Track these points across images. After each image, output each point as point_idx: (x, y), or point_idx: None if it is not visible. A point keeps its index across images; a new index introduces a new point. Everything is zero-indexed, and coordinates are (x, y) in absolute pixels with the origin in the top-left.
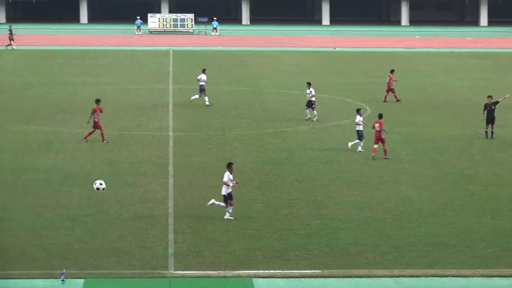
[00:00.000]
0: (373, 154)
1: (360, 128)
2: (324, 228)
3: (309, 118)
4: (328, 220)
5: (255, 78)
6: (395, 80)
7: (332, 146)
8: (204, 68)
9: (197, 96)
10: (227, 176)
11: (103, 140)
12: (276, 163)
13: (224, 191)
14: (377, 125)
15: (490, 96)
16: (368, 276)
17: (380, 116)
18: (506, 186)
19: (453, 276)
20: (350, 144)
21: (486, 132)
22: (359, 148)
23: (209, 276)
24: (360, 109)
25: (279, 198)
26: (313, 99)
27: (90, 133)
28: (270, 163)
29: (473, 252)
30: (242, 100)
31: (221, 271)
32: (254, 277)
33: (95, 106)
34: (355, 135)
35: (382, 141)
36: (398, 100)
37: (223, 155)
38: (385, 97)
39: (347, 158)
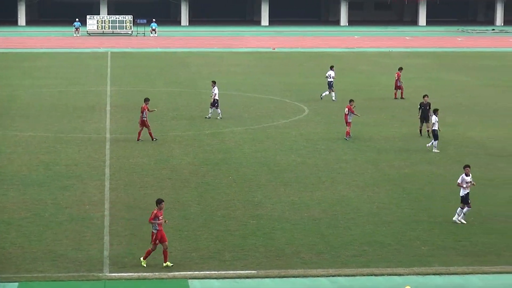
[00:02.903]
0: (346, 137)
1: (435, 127)
2: (260, 229)
3: (210, 117)
4: (264, 220)
5: (194, 79)
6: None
7: (269, 146)
8: (332, 65)
9: (326, 92)
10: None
11: (152, 139)
12: (213, 164)
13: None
14: (346, 109)
15: (425, 96)
16: (304, 276)
17: (350, 101)
18: (442, 185)
19: (388, 274)
20: (428, 145)
21: (420, 130)
22: (434, 149)
23: (144, 278)
24: (438, 109)
25: (215, 199)
26: (216, 97)
27: (140, 132)
28: (207, 164)
29: (409, 250)
30: (180, 101)
31: (156, 273)
32: (190, 278)
33: (143, 104)
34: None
35: (348, 124)
36: (402, 98)
37: (160, 157)
38: (395, 94)
39: (284, 159)
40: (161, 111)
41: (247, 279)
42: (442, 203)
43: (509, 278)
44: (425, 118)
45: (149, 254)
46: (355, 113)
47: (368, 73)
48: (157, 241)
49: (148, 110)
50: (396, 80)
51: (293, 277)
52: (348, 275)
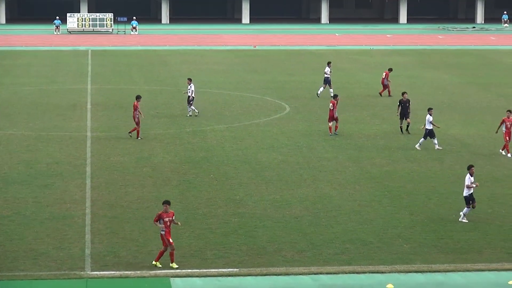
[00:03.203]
0: (330, 133)
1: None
2: (242, 227)
3: (191, 115)
4: (246, 218)
5: (175, 77)
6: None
7: (251, 144)
8: (329, 61)
9: (322, 89)
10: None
11: (138, 137)
12: (194, 162)
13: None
14: (330, 104)
15: (405, 93)
16: (286, 274)
17: (335, 96)
18: (423, 182)
19: (370, 272)
20: (436, 146)
21: (401, 127)
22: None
23: (126, 277)
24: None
25: (197, 197)
26: (192, 95)
27: (138, 131)
28: (189, 162)
29: (390, 248)
30: (161, 99)
31: (138, 271)
32: (172, 276)
33: (135, 102)
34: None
35: (336, 119)
36: (381, 94)
37: (141, 155)
38: (381, 92)
39: (266, 157)
40: (141, 109)
41: (229, 277)
42: (424, 200)
43: (490, 276)
44: (405, 115)
45: (160, 256)
46: (335, 108)
47: (348, 71)
48: (170, 240)
49: (138, 108)
50: (383, 79)
51: (275, 275)
52: (330, 273)
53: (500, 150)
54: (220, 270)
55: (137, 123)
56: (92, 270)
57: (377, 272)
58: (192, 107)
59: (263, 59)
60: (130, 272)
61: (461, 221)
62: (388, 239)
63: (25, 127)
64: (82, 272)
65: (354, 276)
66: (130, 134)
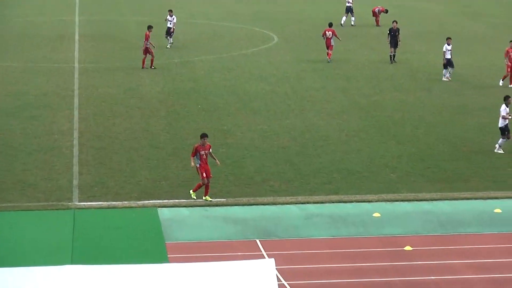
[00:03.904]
0: (328, 58)
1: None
2: (229, 157)
3: (169, 47)
4: (233, 149)
5: (162, 8)
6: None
7: (239, 75)
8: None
9: (344, 18)
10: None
11: (151, 66)
12: (182, 93)
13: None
14: (328, 33)
15: (395, 21)
16: (273, 204)
17: (330, 25)
18: (410, 112)
19: (357, 201)
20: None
21: (391, 56)
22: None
23: (114, 207)
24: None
25: (185, 128)
26: (174, 26)
27: (144, 60)
28: (177, 93)
29: (377, 177)
30: None
31: (126, 202)
32: (159, 206)
33: (146, 32)
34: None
35: (331, 47)
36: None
37: (129, 86)
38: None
39: (254, 87)
40: (130, 41)
41: (216, 207)
42: (411, 130)
43: (477, 204)
44: (395, 43)
45: (198, 188)
46: (338, 37)
47: (334, 0)
48: (204, 174)
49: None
50: (374, 10)
51: (262, 204)
52: (317, 202)
53: (501, 80)
54: (207, 200)
55: (150, 53)
56: (79, 201)
57: (364, 201)
58: (170, 39)
59: None
60: (117, 202)
61: (497, 152)
62: (375, 169)
63: (12, 58)
64: (69, 203)
65: (341, 205)
66: (152, 67)
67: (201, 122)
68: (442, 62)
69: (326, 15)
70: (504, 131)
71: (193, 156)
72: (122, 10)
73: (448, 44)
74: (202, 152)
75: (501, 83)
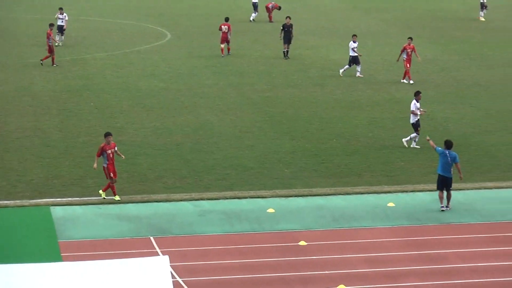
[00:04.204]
0: (222, 54)
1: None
2: (123, 154)
3: (59, 45)
4: (127, 146)
5: (53, 6)
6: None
7: (131, 72)
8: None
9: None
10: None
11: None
12: (74, 91)
13: None
14: (224, 27)
15: (288, 17)
16: (167, 201)
17: (227, 19)
18: (304, 107)
19: (251, 197)
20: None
21: (284, 51)
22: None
23: (5, 206)
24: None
25: (77, 126)
26: (65, 24)
27: (53, 58)
28: (69, 90)
29: (271, 173)
30: (40, 28)
31: (18, 201)
32: (52, 205)
33: (48, 30)
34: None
35: (228, 41)
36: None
37: (20, 84)
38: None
39: (147, 84)
40: (19, 38)
41: (110, 205)
42: (305, 125)
43: (370, 198)
44: (288, 39)
45: (108, 187)
46: (230, 32)
47: None
48: (111, 174)
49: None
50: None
51: (156, 201)
52: (211, 199)
53: (402, 80)
54: (101, 198)
55: (51, 51)
56: None
57: (258, 197)
58: (62, 37)
59: None
60: (9, 201)
61: (414, 147)
62: (269, 164)
63: None
64: None
65: (235, 201)
66: (41, 62)
67: (93, 120)
68: (333, 58)
69: (218, 11)
70: (416, 126)
71: (98, 156)
72: (12, 7)
73: (354, 42)
74: (109, 151)
75: (411, 82)
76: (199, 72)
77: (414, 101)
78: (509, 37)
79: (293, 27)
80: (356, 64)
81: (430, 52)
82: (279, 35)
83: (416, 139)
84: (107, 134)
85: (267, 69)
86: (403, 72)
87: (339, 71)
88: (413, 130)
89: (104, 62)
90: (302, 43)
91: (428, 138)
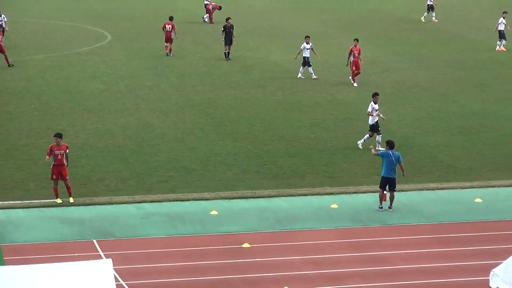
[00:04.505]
0: (167, 51)
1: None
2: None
3: None
4: (68, 148)
5: None
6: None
7: (72, 74)
8: None
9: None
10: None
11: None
12: (15, 93)
13: None
14: (168, 26)
15: (229, 18)
16: (109, 203)
17: (171, 18)
18: (246, 109)
19: (194, 199)
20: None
21: (225, 53)
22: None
23: None
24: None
25: (18, 128)
26: (5, 26)
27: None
28: (9, 93)
29: (214, 175)
30: None
31: None
32: None
33: None
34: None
35: (170, 41)
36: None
37: None
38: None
39: (88, 86)
40: None
41: (52, 208)
42: (247, 127)
43: (313, 200)
44: (229, 40)
45: (54, 191)
46: (175, 32)
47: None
48: (54, 176)
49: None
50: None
51: (99, 204)
52: (154, 201)
53: (352, 82)
54: (43, 201)
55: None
56: None
57: (201, 199)
58: (2, 38)
59: None
60: None
61: (378, 149)
62: (212, 166)
63: None
64: None
65: (178, 203)
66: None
67: (34, 122)
68: (273, 59)
69: (158, 12)
70: (376, 128)
71: (49, 156)
72: None
73: (307, 43)
74: (57, 152)
75: (355, 84)
76: (140, 73)
77: (372, 102)
78: (446, 38)
79: (234, 28)
80: (308, 66)
81: (370, 53)
82: (221, 37)
83: (366, 140)
84: (55, 135)
85: (209, 70)
86: (351, 74)
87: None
88: (368, 131)
89: (44, 64)
90: (243, 44)
91: (371, 146)
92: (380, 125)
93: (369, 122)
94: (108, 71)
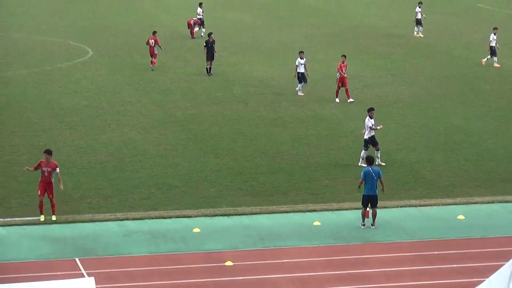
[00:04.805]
0: (152, 66)
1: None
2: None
3: None
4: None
5: None
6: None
7: (54, 89)
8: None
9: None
10: None
11: None
12: None
13: None
14: (151, 41)
15: (211, 33)
16: (92, 221)
17: (154, 33)
18: (228, 124)
19: (176, 217)
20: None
21: (207, 68)
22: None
23: None
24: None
25: None
26: None
27: None
28: None
29: (196, 192)
30: None
31: None
32: None
33: None
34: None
35: (154, 55)
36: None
37: None
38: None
39: (69, 102)
40: None
41: (34, 226)
42: (229, 143)
43: (296, 217)
44: (211, 56)
45: (40, 208)
46: (160, 45)
47: (149, 12)
48: (39, 192)
49: None
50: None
51: (81, 222)
52: (136, 219)
53: (348, 100)
54: (25, 218)
55: None
56: None
57: (184, 217)
58: None
59: (62, 1)
60: None
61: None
62: (194, 183)
63: None
64: None
65: (161, 221)
66: None
67: (16, 138)
68: (255, 74)
69: (140, 28)
70: (373, 142)
71: (35, 169)
72: None
73: (301, 58)
74: (44, 169)
75: (337, 100)
76: (122, 89)
77: (368, 117)
78: (429, 53)
79: (216, 43)
80: (304, 82)
81: (353, 68)
82: (203, 52)
83: (363, 157)
84: (45, 151)
85: (190, 86)
86: (344, 91)
87: (297, 92)
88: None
89: (26, 79)
90: (225, 59)
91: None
92: (377, 140)
93: (364, 136)
94: (90, 87)
